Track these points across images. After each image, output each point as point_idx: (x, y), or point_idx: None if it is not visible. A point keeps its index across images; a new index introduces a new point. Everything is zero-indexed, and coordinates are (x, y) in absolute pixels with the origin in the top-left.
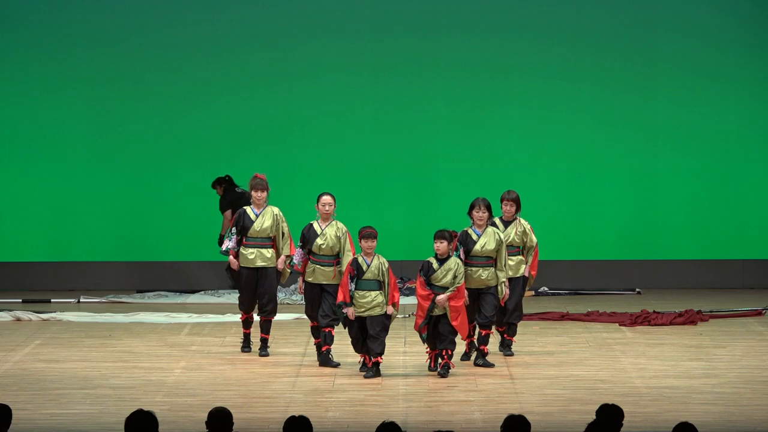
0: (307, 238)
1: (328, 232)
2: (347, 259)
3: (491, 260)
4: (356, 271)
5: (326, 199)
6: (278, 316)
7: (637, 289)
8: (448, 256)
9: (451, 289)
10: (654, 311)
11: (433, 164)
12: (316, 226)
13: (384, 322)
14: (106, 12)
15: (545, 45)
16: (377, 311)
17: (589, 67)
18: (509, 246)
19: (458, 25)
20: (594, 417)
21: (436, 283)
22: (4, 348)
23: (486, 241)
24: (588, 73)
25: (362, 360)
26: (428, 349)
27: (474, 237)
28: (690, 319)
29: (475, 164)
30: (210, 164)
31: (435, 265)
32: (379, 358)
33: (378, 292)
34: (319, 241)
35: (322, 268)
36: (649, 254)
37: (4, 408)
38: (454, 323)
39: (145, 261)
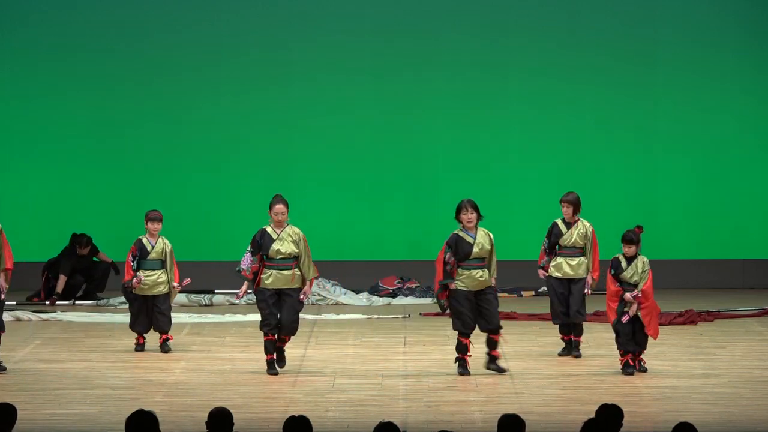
0: (260, 243)
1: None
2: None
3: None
4: (140, 252)
5: (279, 207)
6: None
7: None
8: (635, 256)
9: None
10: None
11: (433, 164)
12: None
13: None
14: (107, 12)
15: (546, 45)
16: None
17: (589, 67)
18: (571, 247)
19: (458, 24)
20: (594, 416)
21: (625, 281)
22: (4, 348)
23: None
24: (588, 73)
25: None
26: (622, 353)
27: (469, 240)
28: (690, 319)
29: (474, 164)
30: (211, 164)
31: (624, 263)
32: (168, 335)
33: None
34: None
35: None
36: (649, 254)
37: (9, 407)
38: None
39: None
